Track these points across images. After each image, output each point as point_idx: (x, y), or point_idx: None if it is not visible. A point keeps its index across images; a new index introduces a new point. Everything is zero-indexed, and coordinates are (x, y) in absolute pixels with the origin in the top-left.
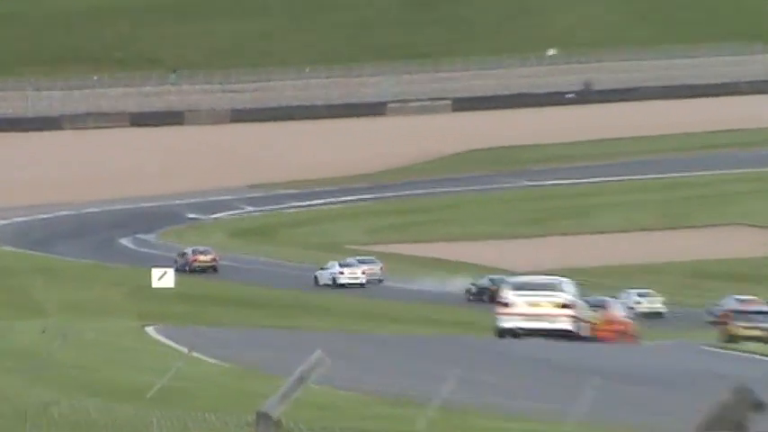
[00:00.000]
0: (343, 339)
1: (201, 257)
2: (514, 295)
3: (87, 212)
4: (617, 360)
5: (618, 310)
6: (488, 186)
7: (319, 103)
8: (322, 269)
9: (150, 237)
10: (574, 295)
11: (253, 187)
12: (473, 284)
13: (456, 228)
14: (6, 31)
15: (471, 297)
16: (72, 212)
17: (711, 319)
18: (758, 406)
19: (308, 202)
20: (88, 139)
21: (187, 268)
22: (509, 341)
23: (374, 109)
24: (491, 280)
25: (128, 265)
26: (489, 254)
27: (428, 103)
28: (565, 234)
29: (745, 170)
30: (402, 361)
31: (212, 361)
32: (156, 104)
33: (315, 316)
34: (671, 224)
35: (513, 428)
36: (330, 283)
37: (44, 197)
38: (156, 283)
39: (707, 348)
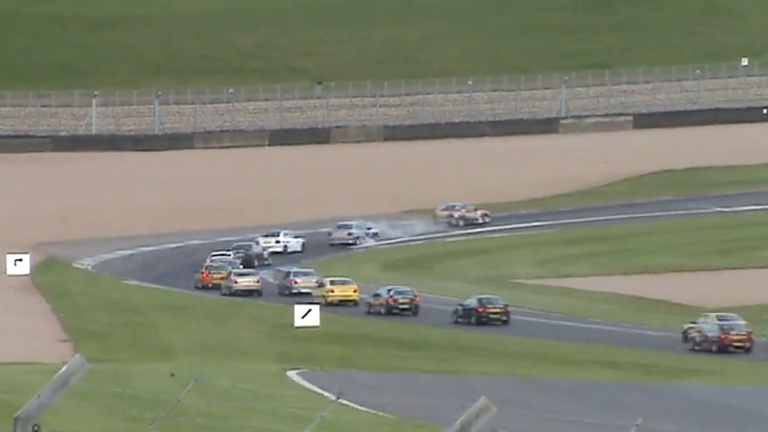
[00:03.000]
0: (511, 385)
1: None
2: None
3: (221, 241)
4: None
5: None
6: (673, 213)
7: (484, 119)
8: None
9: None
10: None
11: (408, 213)
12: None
13: (637, 259)
14: (133, 37)
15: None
16: (204, 241)
17: None
18: None
19: (471, 230)
20: (223, 160)
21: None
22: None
23: (545, 126)
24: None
25: (267, 301)
26: (674, 288)
27: (606, 119)
28: (760, 267)
29: None
30: (576, 410)
31: (363, 409)
32: (299, 121)
33: (477, 358)
34: None
35: None
36: None
37: (173, 224)
38: (298, 322)
39: None
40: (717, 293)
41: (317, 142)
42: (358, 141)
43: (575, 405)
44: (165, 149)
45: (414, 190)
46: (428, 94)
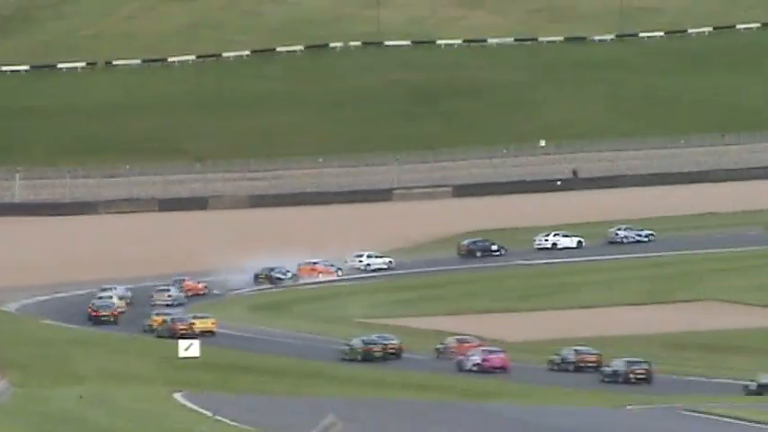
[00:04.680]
0: (358, 406)
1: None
2: None
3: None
4: (602, 424)
5: None
6: (485, 265)
7: (332, 189)
8: None
9: (178, 312)
10: None
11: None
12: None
13: (455, 303)
14: (49, 124)
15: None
16: (106, 287)
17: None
18: None
19: (322, 280)
20: (121, 223)
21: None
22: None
23: (381, 195)
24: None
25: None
26: (486, 326)
27: (430, 189)
28: (555, 309)
29: (720, 250)
30: (412, 427)
31: (234, 424)
32: (183, 191)
33: (334, 385)
34: (654, 299)
35: None
36: None
37: (81, 275)
38: (182, 353)
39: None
40: (519, 330)
41: (198, 208)
42: (230, 208)
43: (412, 423)
44: (75, 214)
45: (274, 247)
46: (287, 169)
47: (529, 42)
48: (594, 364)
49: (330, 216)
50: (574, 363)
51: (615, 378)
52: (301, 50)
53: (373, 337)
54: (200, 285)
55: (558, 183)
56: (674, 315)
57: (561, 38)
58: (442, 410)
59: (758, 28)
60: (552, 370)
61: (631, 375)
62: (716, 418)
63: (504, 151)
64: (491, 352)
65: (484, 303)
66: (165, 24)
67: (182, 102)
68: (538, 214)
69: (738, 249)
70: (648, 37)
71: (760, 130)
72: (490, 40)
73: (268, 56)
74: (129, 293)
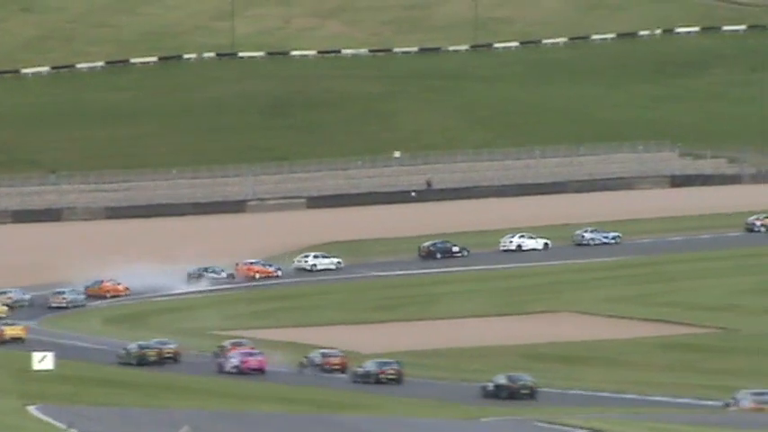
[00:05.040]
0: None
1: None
2: None
3: None
4: None
5: None
6: (342, 276)
7: (187, 201)
8: None
9: (33, 323)
10: None
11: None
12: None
13: (311, 314)
14: None
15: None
16: None
17: None
18: None
19: (177, 292)
20: None
21: None
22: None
23: (235, 206)
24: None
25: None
26: (341, 338)
27: (285, 201)
28: (408, 320)
29: (575, 261)
30: None
31: None
32: (37, 203)
33: (186, 396)
34: (507, 311)
35: None
36: None
37: None
38: (36, 366)
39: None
40: (376, 342)
41: (52, 220)
42: (85, 220)
43: None
44: None
45: (131, 258)
46: (142, 180)
47: (383, 53)
48: (339, 367)
49: (185, 227)
50: (320, 366)
51: (367, 379)
52: (155, 62)
53: (151, 341)
54: (121, 287)
55: (413, 194)
56: (529, 326)
57: (415, 49)
58: (304, 423)
59: (613, 39)
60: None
61: (382, 376)
62: (570, 429)
63: (359, 163)
64: (250, 354)
65: (340, 315)
66: (15, 37)
67: (35, 113)
68: (392, 225)
69: (593, 261)
70: (503, 48)
71: (615, 141)
72: (344, 51)
73: (122, 67)
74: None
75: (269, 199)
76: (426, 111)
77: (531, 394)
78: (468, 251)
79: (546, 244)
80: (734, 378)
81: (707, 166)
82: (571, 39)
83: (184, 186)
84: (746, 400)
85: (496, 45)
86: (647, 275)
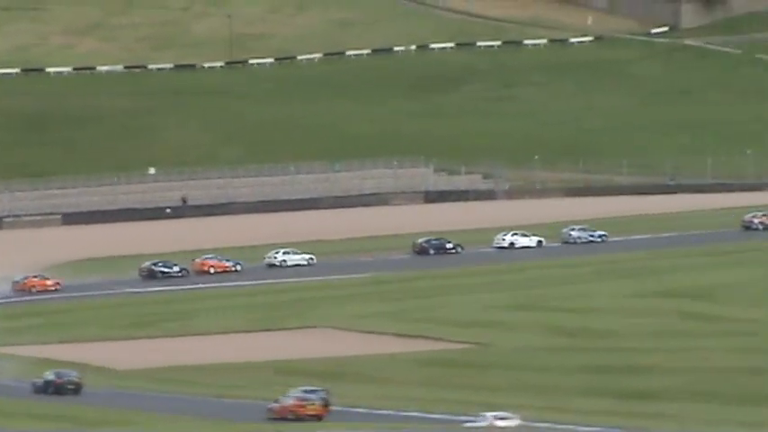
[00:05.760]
0: None
1: None
2: None
3: None
4: None
5: None
6: (99, 293)
7: None
8: None
9: None
10: None
11: None
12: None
13: (68, 331)
14: None
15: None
16: None
17: None
18: None
19: None
20: None
21: None
22: None
23: None
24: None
25: None
26: (95, 354)
27: (40, 217)
28: (167, 336)
29: (330, 277)
30: None
31: None
32: None
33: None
34: (264, 326)
35: None
36: None
37: None
38: None
39: None
40: (127, 358)
41: None
42: None
43: None
44: None
45: None
46: None
47: (138, 70)
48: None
49: None
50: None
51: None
52: None
53: None
54: (50, 282)
55: (168, 210)
56: (285, 341)
57: (170, 65)
58: None
59: (368, 55)
60: None
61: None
62: None
63: (115, 179)
64: None
65: (96, 331)
66: None
67: None
68: (147, 241)
69: (348, 277)
70: (258, 64)
71: (370, 157)
72: (99, 68)
73: None
74: None
75: (24, 215)
76: (182, 127)
77: (75, 390)
78: (462, 248)
79: (540, 242)
80: (489, 393)
81: (461, 181)
82: (326, 55)
83: None
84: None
85: (252, 61)
86: (402, 291)
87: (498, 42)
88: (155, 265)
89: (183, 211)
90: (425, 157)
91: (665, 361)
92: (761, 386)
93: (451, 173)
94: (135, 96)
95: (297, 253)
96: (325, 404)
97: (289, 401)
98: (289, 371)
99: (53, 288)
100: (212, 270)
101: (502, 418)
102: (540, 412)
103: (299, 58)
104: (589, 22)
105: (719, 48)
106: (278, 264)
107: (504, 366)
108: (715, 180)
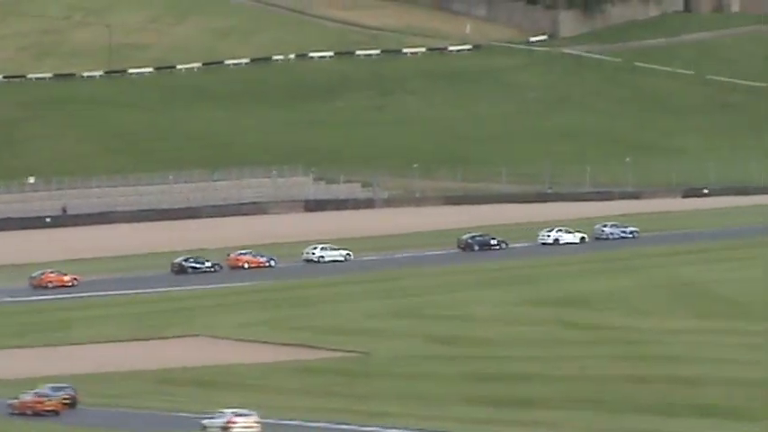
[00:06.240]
0: None
1: None
2: None
3: None
4: None
5: None
6: None
7: None
8: None
9: None
10: None
11: None
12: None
13: None
14: None
15: None
16: None
17: None
18: None
19: None
20: None
21: None
22: None
23: None
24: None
25: None
26: None
27: None
28: (46, 345)
29: (207, 287)
30: None
31: None
32: None
33: None
34: (143, 335)
35: None
36: None
37: None
38: None
39: None
40: (10, 367)
41: None
42: None
43: None
44: None
45: None
46: None
47: (17, 79)
48: None
49: None
50: None
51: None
52: None
53: None
54: (67, 278)
55: (48, 219)
56: (165, 350)
57: (50, 74)
58: None
59: (247, 64)
60: None
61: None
62: None
63: None
64: None
65: None
66: None
67: None
68: (26, 250)
69: (229, 285)
70: (137, 73)
71: (249, 165)
72: None
73: None
74: None
75: None
76: (61, 136)
77: None
78: (506, 244)
79: (583, 238)
80: (368, 401)
81: (341, 190)
82: (205, 64)
83: None
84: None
85: (131, 71)
86: (283, 300)
87: (377, 51)
88: (186, 260)
89: (63, 220)
90: (305, 166)
91: (544, 369)
92: (639, 394)
93: (330, 182)
94: (14, 106)
95: (335, 248)
96: (71, 401)
97: (27, 397)
98: (168, 380)
99: (70, 284)
100: (246, 265)
101: (240, 415)
102: (418, 420)
103: (179, 67)
104: (467, 30)
105: (598, 56)
106: (315, 259)
107: (384, 375)
108: (594, 188)
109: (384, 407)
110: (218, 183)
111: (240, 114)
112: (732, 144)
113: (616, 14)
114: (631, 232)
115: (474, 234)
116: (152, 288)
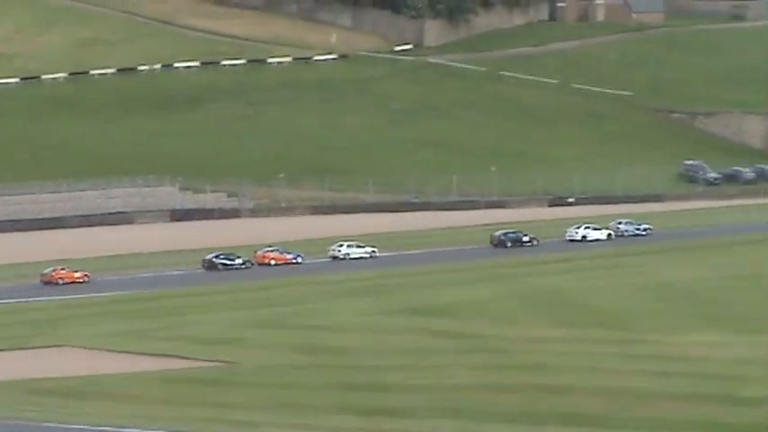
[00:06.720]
0: None
1: None
2: None
3: None
4: None
5: None
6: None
7: None
8: None
9: None
10: None
11: None
12: None
13: None
14: None
15: None
16: None
17: None
18: None
19: None
20: None
21: None
22: None
23: None
24: None
25: None
26: None
27: None
28: None
29: (76, 296)
30: None
31: None
32: None
33: None
34: (9, 345)
35: None
36: None
37: None
38: None
39: None
40: None
41: None
42: None
43: None
44: None
45: None
46: None
47: None
48: None
49: None
50: None
51: None
52: None
53: None
54: (78, 275)
55: None
56: (32, 361)
57: None
58: None
59: (113, 74)
60: None
61: None
62: None
63: None
64: None
65: None
66: None
67: None
68: None
69: (93, 296)
70: (3, 84)
71: (115, 176)
72: None
73: None
74: None
75: None
76: None
77: None
78: (537, 241)
79: (609, 234)
80: (234, 411)
81: (207, 200)
82: (71, 74)
83: None
84: None
85: None
86: (149, 310)
87: (242, 61)
88: (216, 257)
89: None
90: (171, 175)
91: (410, 378)
92: (505, 403)
93: (197, 191)
94: None
95: (361, 246)
96: None
97: None
98: (36, 390)
99: (81, 280)
100: (273, 262)
101: None
102: (286, 429)
103: (44, 77)
104: (333, 40)
105: (463, 65)
106: (341, 257)
107: (251, 384)
108: (461, 197)
109: (252, 416)
110: (84, 192)
111: (106, 125)
112: (599, 152)
113: (481, 24)
114: (644, 229)
115: (506, 231)
116: (17, 299)
